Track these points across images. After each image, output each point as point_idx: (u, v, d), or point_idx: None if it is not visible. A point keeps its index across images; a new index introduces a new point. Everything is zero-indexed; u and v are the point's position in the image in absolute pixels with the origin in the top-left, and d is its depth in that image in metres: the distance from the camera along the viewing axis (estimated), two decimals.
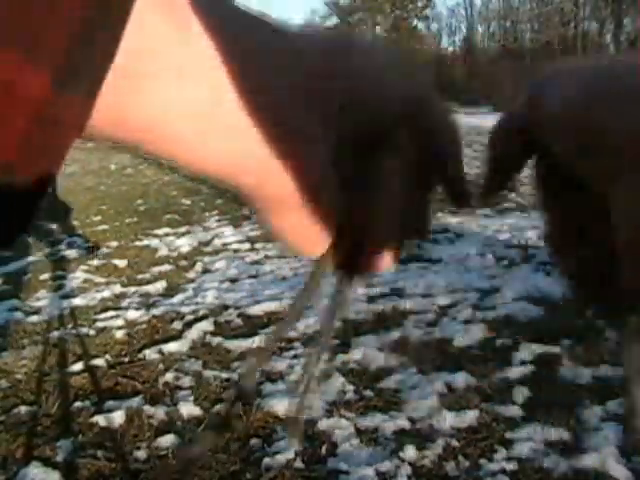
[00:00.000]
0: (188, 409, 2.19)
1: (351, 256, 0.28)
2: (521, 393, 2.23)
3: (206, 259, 4.08)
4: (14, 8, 0.16)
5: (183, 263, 4.02)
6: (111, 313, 3.13)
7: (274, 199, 0.25)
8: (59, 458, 1.94)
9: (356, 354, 2.57)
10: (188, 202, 6.01)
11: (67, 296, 3.39)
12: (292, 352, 2.64)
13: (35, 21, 0.16)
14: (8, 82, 0.16)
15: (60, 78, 0.17)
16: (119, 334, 2.86)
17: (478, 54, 33.87)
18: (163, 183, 7.03)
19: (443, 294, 3.16)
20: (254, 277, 3.67)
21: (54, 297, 3.39)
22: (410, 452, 1.91)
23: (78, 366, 2.55)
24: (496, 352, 2.53)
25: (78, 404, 2.24)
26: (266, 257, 4.06)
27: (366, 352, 2.58)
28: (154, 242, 4.56)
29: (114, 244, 4.50)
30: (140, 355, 2.65)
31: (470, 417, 2.09)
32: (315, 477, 1.83)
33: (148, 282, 3.62)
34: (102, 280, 3.68)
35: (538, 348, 2.51)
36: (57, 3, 0.17)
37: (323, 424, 2.08)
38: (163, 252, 4.29)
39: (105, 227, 5.04)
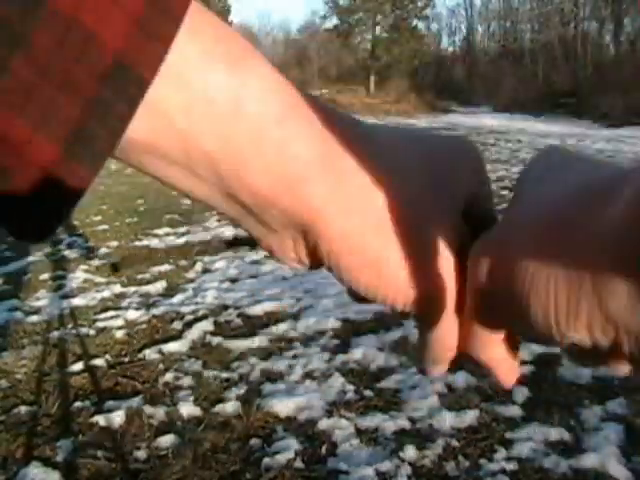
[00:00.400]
0: (188, 409, 2.19)
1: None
2: (521, 393, 2.23)
3: (206, 259, 4.08)
4: (26, 85, 0.18)
5: (183, 263, 4.02)
6: (111, 313, 3.13)
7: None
8: (59, 458, 1.94)
9: (356, 354, 2.58)
10: (188, 202, 6.00)
11: (67, 296, 3.39)
12: (292, 352, 2.64)
13: (44, 96, 0.18)
14: (18, 147, 0.18)
15: (68, 146, 0.19)
16: (119, 334, 2.86)
17: (478, 54, 33.84)
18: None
19: None
20: (254, 277, 3.67)
21: (54, 297, 3.39)
22: (410, 452, 1.91)
23: (78, 366, 2.55)
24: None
25: (78, 404, 2.24)
26: (266, 257, 4.06)
27: (366, 352, 2.59)
28: (154, 242, 4.56)
29: (114, 244, 4.50)
30: (140, 355, 2.65)
31: (470, 417, 2.09)
32: (315, 477, 1.83)
33: (148, 282, 3.63)
34: (102, 280, 3.68)
35: (538, 348, 2.51)
36: (67, 82, 0.18)
37: (323, 424, 2.08)
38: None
39: (105, 227, 5.04)
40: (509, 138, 12.35)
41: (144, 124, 0.20)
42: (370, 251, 0.25)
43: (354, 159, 0.25)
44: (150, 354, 2.64)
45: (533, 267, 0.21)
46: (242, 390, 2.33)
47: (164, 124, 0.21)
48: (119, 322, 3.00)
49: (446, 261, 0.26)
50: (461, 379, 2.30)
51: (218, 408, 2.20)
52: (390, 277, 0.25)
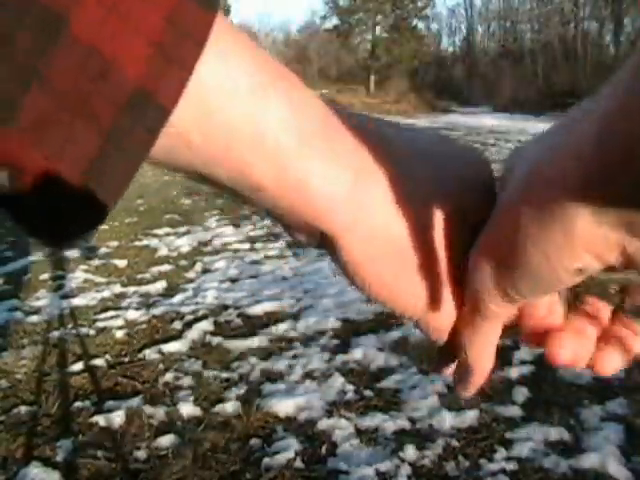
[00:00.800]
0: (188, 409, 2.19)
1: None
2: (521, 393, 2.23)
3: (206, 259, 4.08)
4: (44, 115, 0.18)
5: (183, 263, 4.02)
6: (111, 313, 3.13)
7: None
8: (59, 458, 1.94)
9: (356, 354, 2.57)
10: (188, 202, 6.01)
11: (67, 296, 3.39)
12: (292, 352, 2.64)
13: (61, 128, 0.18)
14: (37, 178, 0.18)
15: (87, 179, 0.19)
16: (119, 334, 2.86)
17: (478, 54, 33.84)
18: (163, 183, 7.04)
19: None
20: (254, 277, 3.67)
21: (54, 297, 3.39)
22: (410, 452, 1.91)
23: (78, 366, 2.55)
24: (496, 352, 2.53)
25: (78, 404, 2.24)
26: (266, 257, 4.06)
27: (366, 352, 2.58)
28: (154, 242, 4.56)
29: (114, 244, 4.50)
30: (140, 355, 2.65)
31: (470, 417, 2.09)
32: (315, 477, 1.83)
33: (148, 282, 3.63)
34: (102, 280, 3.68)
35: (538, 348, 2.50)
36: (85, 113, 0.18)
37: (323, 424, 2.08)
38: (163, 252, 4.29)
39: (105, 227, 5.04)
40: (509, 138, 12.34)
41: (162, 143, 0.20)
42: (387, 271, 0.26)
43: (374, 179, 0.25)
44: (150, 354, 2.64)
45: (523, 231, 0.21)
46: (242, 390, 2.33)
47: (181, 145, 0.21)
48: (119, 322, 3.00)
49: (449, 270, 0.27)
50: None
51: (218, 408, 2.20)
52: (402, 293, 0.27)
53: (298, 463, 1.88)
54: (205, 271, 3.84)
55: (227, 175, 0.22)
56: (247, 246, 4.37)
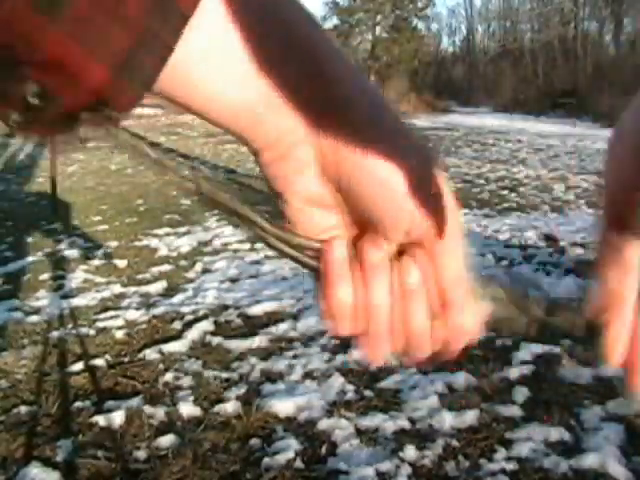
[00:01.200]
0: (188, 409, 2.19)
1: None
2: (521, 393, 2.23)
3: (206, 259, 4.08)
4: (84, 16, 0.20)
5: (183, 263, 4.02)
6: (111, 313, 3.13)
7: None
8: (59, 458, 1.94)
9: (356, 354, 2.57)
10: (188, 202, 6.00)
11: (67, 296, 3.39)
12: (292, 352, 2.64)
13: (99, 26, 0.21)
14: (74, 73, 0.21)
15: (118, 72, 0.21)
16: (119, 334, 2.86)
17: (478, 54, 33.84)
18: (163, 183, 7.03)
19: None
20: (254, 277, 3.67)
21: (54, 297, 3.39)
22: (410, 452, 1.91)
23: (78, 366, 2.55)
24: (496, 352, 2.53)
25: (78, 404, 2.24)
26: (266, 257, 4.06)
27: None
28: (154, 242, 4.56)
29: (114, 244, 4.50)
30: (140, 355, 2.65)
31: (470, 417, 2.09)
32: (315, 477, 1.83)
33: (148, 282, 3.62)
34: (102, 280, 3.68)
35: (538, 348, 2.51)
36: (119, 14, 0.21)
37: (323, 424, 2.08)
38: (163, 252, 4.29)
39: (105, 227, 5.04)
40: (509, 138, 12.34)
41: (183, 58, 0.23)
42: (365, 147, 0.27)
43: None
44: (150, 354, 2.64)
45: None
46: (242, 390, 2.33)
47: (183, 66, 0.23)
48: (119, 322, 3.00)
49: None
50: (461, 379, 2.30)
51: (218, 408, 2.20)
52: (395, 194, 0.27)
53: (298, 463, 1.88)
54: (205, 271, 3.84)
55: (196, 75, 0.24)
56: (247, 246, 4.37)
